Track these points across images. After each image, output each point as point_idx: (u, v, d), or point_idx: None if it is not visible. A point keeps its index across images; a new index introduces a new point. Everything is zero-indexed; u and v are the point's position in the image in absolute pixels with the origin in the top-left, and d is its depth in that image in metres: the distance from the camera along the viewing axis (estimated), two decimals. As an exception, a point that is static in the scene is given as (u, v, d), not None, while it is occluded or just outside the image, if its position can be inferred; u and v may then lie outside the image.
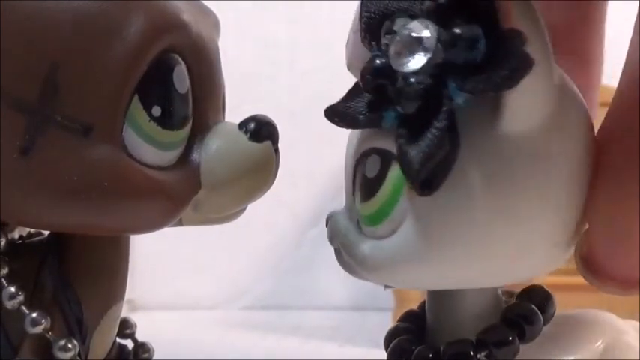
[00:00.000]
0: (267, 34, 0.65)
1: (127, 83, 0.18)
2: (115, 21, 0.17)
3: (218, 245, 0.63)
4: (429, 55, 0.14)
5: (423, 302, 0.19)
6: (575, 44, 0.19)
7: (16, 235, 0.21)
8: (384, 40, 0.15)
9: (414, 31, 0.14)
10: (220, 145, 0.20)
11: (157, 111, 0.18)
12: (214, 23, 0.22)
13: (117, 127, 0.18)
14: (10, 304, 0.19)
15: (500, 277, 0.16)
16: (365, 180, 0.16)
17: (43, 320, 0.19)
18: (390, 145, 0.15)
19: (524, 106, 0.14)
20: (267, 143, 0.21)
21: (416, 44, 0.14)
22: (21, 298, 0.19)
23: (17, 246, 0.20)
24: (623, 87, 0.16)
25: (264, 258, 0.66)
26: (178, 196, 0.19)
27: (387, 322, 0.51)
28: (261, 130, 0.21)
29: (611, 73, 0.19)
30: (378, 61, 0.15)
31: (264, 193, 0.21)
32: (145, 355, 0.23)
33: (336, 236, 0.18)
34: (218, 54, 0.21)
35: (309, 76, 0.64)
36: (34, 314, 0.19)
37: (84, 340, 0.19)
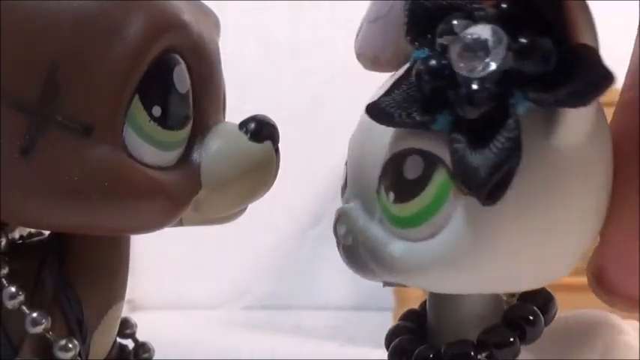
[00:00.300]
0: (267, 34, 0.66)
1: (127, 83, 0.18)
2: (116, 21, 0.17)
3: (218, 245, 0.63)
4: (498, 62, 0.13)
5: (424, 301, 0.19)
6: None
7: (16, 235, 0.21)
8: (440, 41, 0.15)
9: (480, 36, 0.14)
10: (221, 145, 0.20)
11: (157, 111, 0.18)
12: (215, 23, 0.22)
13: (117, 127, 0.18)
14: (10, 304, 0.19)
15: (524, 284, 0.16)
16: (402, 180, 0.16)
17: (44, 320, 0.19)
18: (435, 148, 0.15)
19: (580, 118, 0.14)
20: (268, 143, 0.21)
21: (483, 50, 0.14)
22: (21, 298, 0.19)
23: (17, 246, 0.20)
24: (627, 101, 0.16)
25: (265, 258, 0.66)
26: (179, 196, 0.19)
27: (387, 321, 0.51)
28: (262, 130, 0.21)
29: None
30: (434, 62, 0.14)
31: (265, 193, 0.21)
32: (146, 355, 0.23)
33: (352, 233, 0.17)
34: (218, 54, 0.21)
35: (310, 76, 0.64)
36: (35, 314, 0.19)
37: (84, 340, 0.19)
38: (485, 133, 0.14)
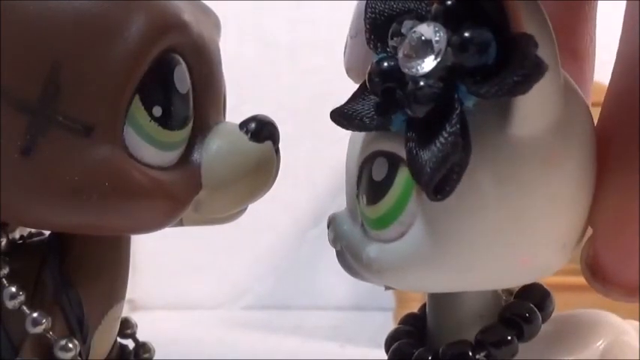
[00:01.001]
0: (267, 34, 0.65)
1: (128, 83, 0.18)
2: (116, 21, 0.17)
3: (219, 245, 0.63)
4: (438, 59, 0.14)
5: (424, 305, 0.19)
6: (566, 42, 0.19)
7: (16, 235, 0.21)
8: (391, 43, 0.15)
9: (423, 34, 0.14)
10: (221, 145, 0.20)
11: (157, 111, 0.18)
12: (215, 23, 0.22)
13: (118, 127, 0.18)
14: (10, 304, 0.19)
15: (507, 280, 0.16)
16: (371, 183, 0.16)
17: (44, 320, 0.19)
18: (397, 148, 0.15)
19: (535, 109, 0.14)
20: (268, 143, 0.21)
21: (425, 47, 0.14)
22: (22, 298, 0.19)
23: (18, 246, 0.20)
24: (620, 89, 0.16)
25: (265, 258, 0.66)
26: (179, 196, 0.19)
27: (387, 322, 0.51)
28: (262, 130, 0.21)
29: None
30: (385, 64, 0.15)
31: (265, 193, 0.21)
32: (146, 355, 0.23)
33: (339, 238, 0.17)
34: (219, 54, 0.21)
35: (310, 76, 0.64)
36: (35, 314, 0.19)
37: (85, 340, 0.19)
38: (434, 129, 0.14)
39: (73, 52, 0.17)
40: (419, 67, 0.14)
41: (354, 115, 0.16)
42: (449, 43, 0.14)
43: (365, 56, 0.16)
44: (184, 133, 0.19)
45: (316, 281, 0.64)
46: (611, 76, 0.16)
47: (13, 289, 0.19)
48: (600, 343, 0.17)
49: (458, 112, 0.14)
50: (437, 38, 0.14)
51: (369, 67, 0.15)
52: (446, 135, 0.14)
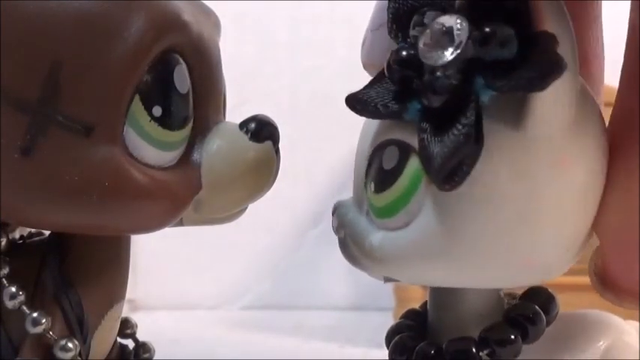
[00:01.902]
0: (267, 33, 0.65)
1: (128, 83, 0.18)
2: (117, 21, 0.17)
3: (219, 245, 0.63)
4: (459, 50, 0.14)
5: (425, 302, 0.19)
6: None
7: (16, 235, 0.21)
8: (412, 32, 0.15)
9: (444, 25, 0.14)
10: (221, 145, 0.20)
11: (157, 111, 0.18)
12: (215, 23, 0.22)
13: (118, 127, 0.18)
14: (10, 304, 0.19)
15: (507, 280, 0.16)
16: (381, 171, 0.16)
17: (44, 320, 0.19)
18: (409, 137, 0.15)
19: (550, 109, 0.14)
20: (268, 143, 0.21)
21: (446, 38, 0.14)
22: (22, 298, 0.19)
23: (18, 246, 0.20)
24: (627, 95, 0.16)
25: (265, 258, 0.66)
26: (179, 196, 0.19)
27: (387, 322, 0.51)
28: (262, 130, 0.21)
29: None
30: (404, 52, 0.15)
31: (265, 193, 0.21)
32: (146, 355, 0.23)
33: (342, 226, 0.17)
34: (219, 54, 0.21)
35: (310, 76, 0.64)
36: (35, 314, 0.19)
37: (85, 340, 0.19)
38: (449, 121, 0.14)
39: (73, 51, 0.17)
40: (438, 58, 0.14)
41: (368, 100, 0.16)
42: (470, 36, 0.14)
43: (387, 50, 0.16)
44: (184, 133, 0.19)
45: (316, 281, 0.64)
46: (620, 81, 0.16)
47: (13, 289, 0.19)
48: (601, 343, 0.17)
49: (474, 104, 0.14)
50: (458, 29, 0.14)
51: (389, 55, 0.15)
52: (460, 127, 0.14)
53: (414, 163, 0.15)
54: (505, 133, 0.14)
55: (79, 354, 0.19)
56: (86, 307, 0.20)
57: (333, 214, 0.18)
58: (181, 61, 0.19)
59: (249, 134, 0.20)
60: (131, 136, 0.18)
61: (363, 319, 0.59)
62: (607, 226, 0.16)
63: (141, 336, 0.23)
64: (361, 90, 0.16)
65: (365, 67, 0.17)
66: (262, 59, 0.65)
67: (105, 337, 0.21)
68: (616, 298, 0.16)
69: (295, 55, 0.65)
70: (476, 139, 0.14)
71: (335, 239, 0.18)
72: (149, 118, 0.18)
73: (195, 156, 0.20)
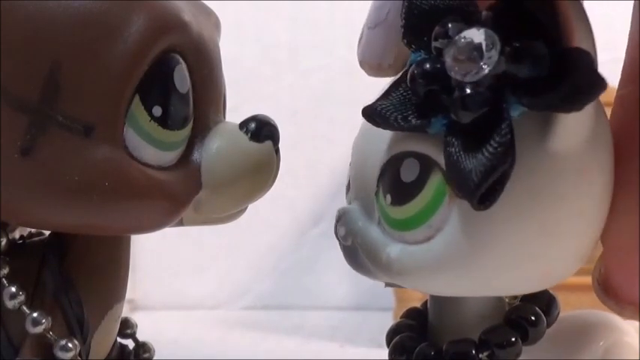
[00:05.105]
0: (267, 34, 0.66)
1: (128, 83, 0.18)
2: (116, 21, 0.17)
3: (219, 245, 0.63)
4: (490, 67, 0.13)
5: (426, 301, 0.19)
6: None
7: (16, 234, 0.21)
8: (435, 44, 0.15)
9: (474, 40, 0.14)
10: (221, 145, 0.20)
11: (157, 111, 0.18)
12: (215, 23, 0.22)
13: (118, 127, 0.18)
14: (10, 304, 0.19)
15: (522, 289, 0.16)
16: (399, 183, 0.16)
17: (44, 320, 0.19)
18: (431, 151, 0.15)
19: (575, 123, 0.14)
20: (268, 143, 0.21)
21: (476, 54, 0.14)
22: (22, 298, 0.19)
23: (18, 246, 0.20)
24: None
25: (265, 258, 0.66)
26: (179, 196, 0.19)
27: (387, 322, 0.51)
28: (262, 130, 0.21)
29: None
30: (428, 65, 0.14)
31: (265, 193, 0.21)
32: (146, 355, 0.23)
33: (352, 235, 0.17)
34: (219, 54, 0.21)
35: (310, 76, 0.64)
36: (35, 314, 0.19)
37: (85, 340, 0.19)
38: (479, 137, 0.14)
39: (73, 51, 0.17)
40: (469, 74, 0.14)
41: (388, 114, 0.15)
42: (502, 52, 0.13)
43: (384, 49, 0.15)
44: (184, 133, 0.19)
45: (316, 281, 0.64)
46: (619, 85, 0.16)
47: (13, 289, 0.19)
48: (602, 343, 0.17)
49: (508, 122, 0.13)
50: (489, 45, 0.13)
51: (411, 67, 0.15)
52: (495, 145, 0.13)
53: (436, 178, 0.15)
54: (530, 148, 0.14)
55: (79, 354, 0.19)
56: (86, 307, 0.20)
57: (337, 221, 0.18)
58: (181, 61, 0.19)
59: (249, 134, 0.20)
60: (131, 136, 0.18)
61: (364, 319, 0.59)
62: (610, 236, 0.16)
63: (141, 336, 0.23)
64: (377, 101, 0.16)
65: (361, 64, 0.17)
66: (262, 60, 0.65)
67: (105, 337, 0.21)
68: (618, 307, 0.16)
69: (295, 56, 0.65)
70: (512, 157, 0.13)
71: (335, 239, 0.18)
72: (149, 118, 0.18)
73: (195, 156, 0.20)
